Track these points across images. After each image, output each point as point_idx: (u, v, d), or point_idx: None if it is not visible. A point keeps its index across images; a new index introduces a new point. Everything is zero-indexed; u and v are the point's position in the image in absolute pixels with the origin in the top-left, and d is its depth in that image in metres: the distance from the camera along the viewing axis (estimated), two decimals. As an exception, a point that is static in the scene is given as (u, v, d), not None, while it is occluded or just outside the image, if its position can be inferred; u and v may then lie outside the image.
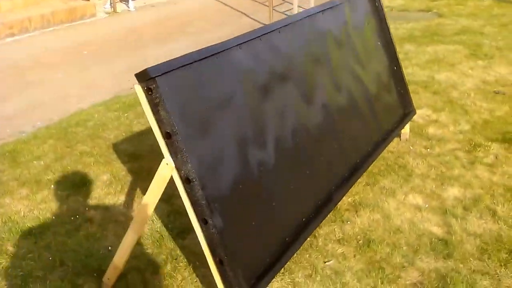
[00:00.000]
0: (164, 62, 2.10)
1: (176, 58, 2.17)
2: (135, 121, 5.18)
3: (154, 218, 3.44)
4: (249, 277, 2.32)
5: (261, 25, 9.36)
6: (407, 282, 2.82)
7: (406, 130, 4.43)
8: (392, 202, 3.56)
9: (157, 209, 3.56)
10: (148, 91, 2.04)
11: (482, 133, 4.58)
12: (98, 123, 5.12)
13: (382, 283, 2.80)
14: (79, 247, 3.17)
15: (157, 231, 3.31)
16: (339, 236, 3.21)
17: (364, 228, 3.29)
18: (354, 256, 3.03)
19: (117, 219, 3.48)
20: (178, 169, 2.13)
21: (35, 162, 4.33)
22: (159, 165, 3.96)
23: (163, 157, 2.18)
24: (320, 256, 3.03)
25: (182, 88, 2.15)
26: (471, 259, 2.97)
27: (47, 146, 4.63)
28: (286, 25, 2.96)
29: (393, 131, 4.02)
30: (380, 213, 3.44)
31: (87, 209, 3.60)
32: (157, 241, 3.21)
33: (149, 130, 5.16)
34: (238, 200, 2.35)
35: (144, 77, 2.02)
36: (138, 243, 3.04)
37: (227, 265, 2.20)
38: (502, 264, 2.92)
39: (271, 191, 2.59)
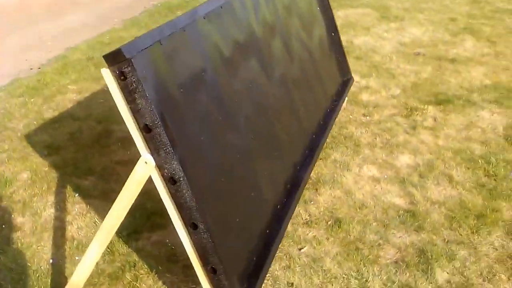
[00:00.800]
0: (134, 40, 1.68)
1: (145, 34, 1.76)
2: (45, 106, 4.57)
3: (96, 220, 3.01)
4: (242, 283, 2.03)
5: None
6: (388, 261, 2.69)
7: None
8: (349, 176, 3.42)
9: (95, 208, 3.13)
10: (121, 76, 1.62)
11: (415, 96, 4.59)
12: (3, 112, 4.44)
13: (364, 265, 2.65)
14: (14, 264, 2.66)
15: (104, 234, 2.87)
16: (306, 219, 3.00)
17: (329, 207, 3.11)
18: (327, 239, 2.84)
19: (52, 225, 2.99)
20: (160, 167, 1.75)
21: None
22: (83, 156, 3.55)
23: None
24: (292, 242, 2.80)
25: (158, 70, 1.76)
26: (442, 229, 2.91)
27: None
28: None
29: (337, 100, 3.86)
30: (340, 189, 3.28)
31: (13, 216, 3.05)
32: (107, 246, 2.78)
33: (64, 116, 4.64)
34: (223, 196, 2.03)
35: (116, 58, 1.59)
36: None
37: (222, 274, 1.89)
38: (474, 231, 2.88)
39: (249, 180, 2.30)
